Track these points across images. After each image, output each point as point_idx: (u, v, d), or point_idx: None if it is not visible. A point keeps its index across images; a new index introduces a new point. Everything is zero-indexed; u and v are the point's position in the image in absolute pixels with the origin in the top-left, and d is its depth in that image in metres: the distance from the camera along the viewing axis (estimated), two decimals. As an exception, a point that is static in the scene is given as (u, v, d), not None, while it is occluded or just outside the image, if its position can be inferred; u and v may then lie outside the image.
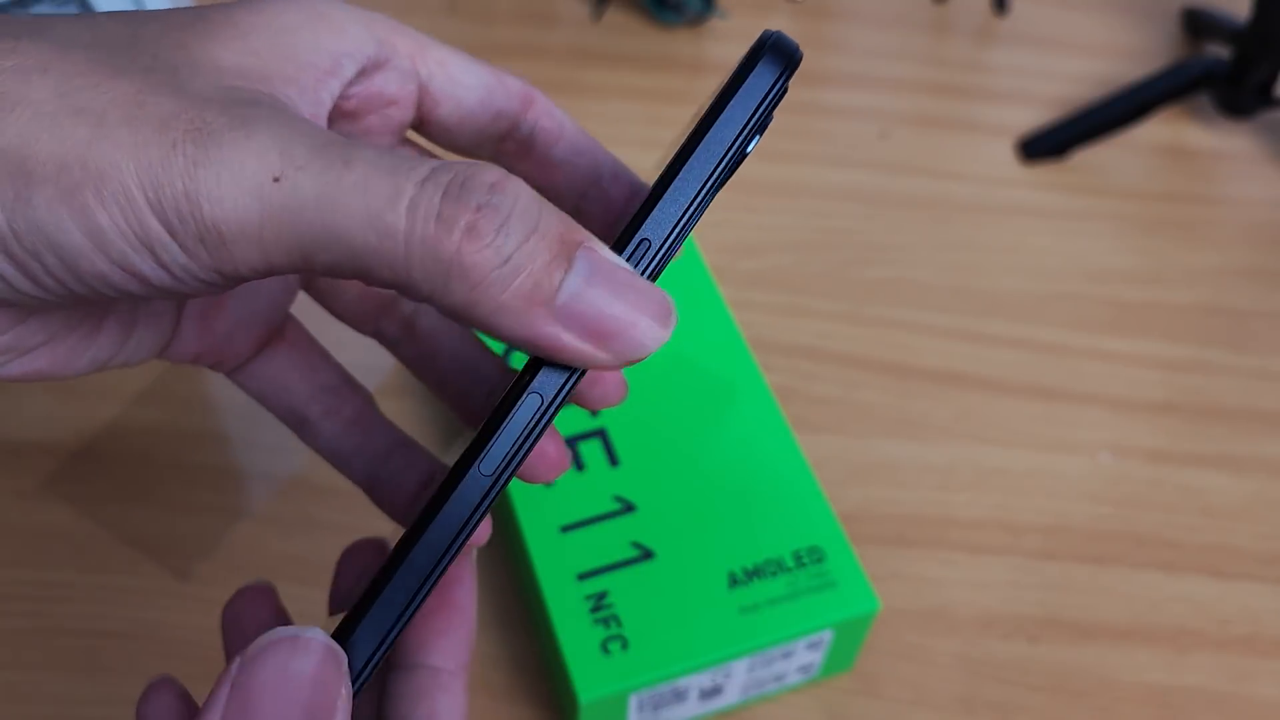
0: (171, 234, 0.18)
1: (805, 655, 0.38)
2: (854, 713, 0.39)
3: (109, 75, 0.19)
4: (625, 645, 0.35)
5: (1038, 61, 0.61)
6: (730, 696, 0.38)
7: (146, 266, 0.19)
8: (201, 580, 0.41)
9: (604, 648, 0.35)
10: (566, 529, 0.38)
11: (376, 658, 0.20)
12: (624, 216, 0.22)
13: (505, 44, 0.60)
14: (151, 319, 0.25)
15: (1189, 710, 0.40)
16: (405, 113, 0.25)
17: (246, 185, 0.18)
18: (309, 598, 0.40)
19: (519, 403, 0.20)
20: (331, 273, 0.19)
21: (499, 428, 0.21)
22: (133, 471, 0.43)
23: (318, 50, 0.22)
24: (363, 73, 0.23)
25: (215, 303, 0.26)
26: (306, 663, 0.19)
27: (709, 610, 0.36)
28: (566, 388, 0.21)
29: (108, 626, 0.39)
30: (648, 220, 0.20)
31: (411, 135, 0.27)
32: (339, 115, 0.24)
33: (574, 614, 0.36)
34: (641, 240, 0.20)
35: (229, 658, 0.25)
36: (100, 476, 0.43)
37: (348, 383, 0.28)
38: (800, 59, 0.21)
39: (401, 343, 0.29)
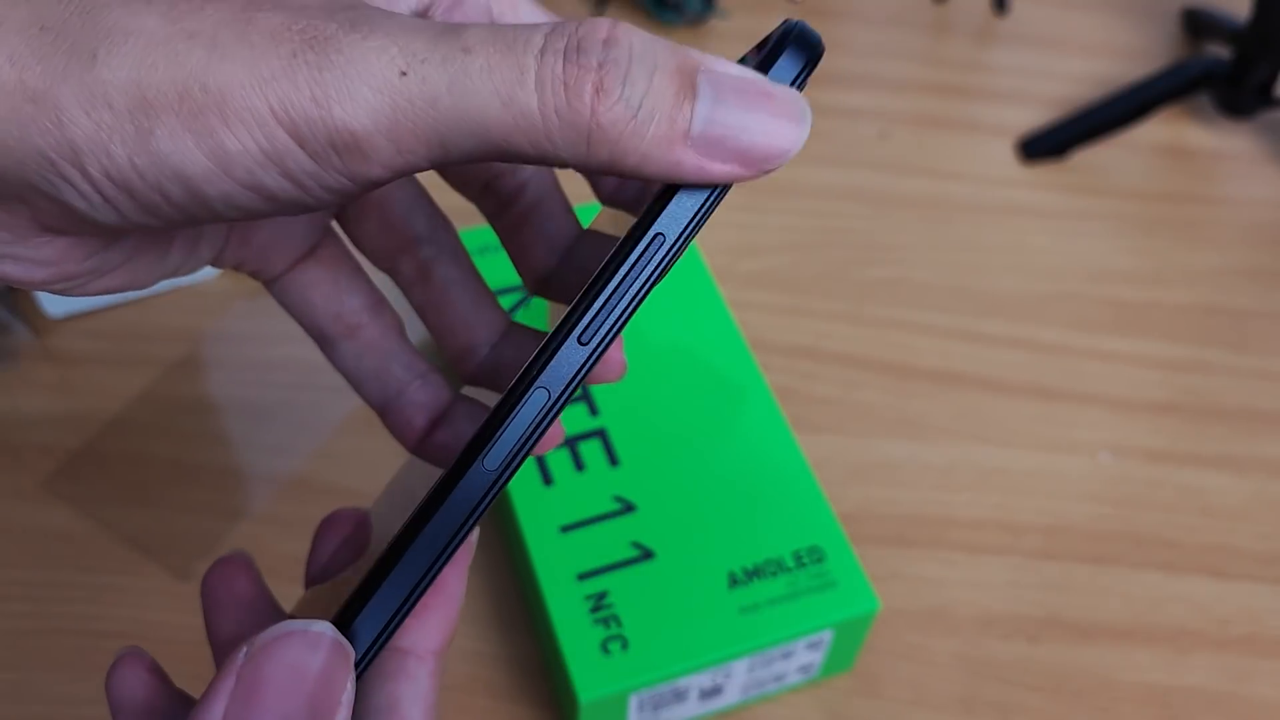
0: (301, 144, 0.18)
1: (805, 655, 0.38)
2: (854, 713, 0.39)
3: None
4: (625, 645, 0.35)
5: (1038, 61, 0.61)
6: (730, 696, 0.38)
7: (275, 182, 0.19)
8: (200, 580, 0.41)
9: (604, 648, 0.35)
10: (566, 529, 0.38)
11: (374, 650, 0.20)
12: None
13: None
14: (213, 231, 0.25)
15: (1189, 710, 0.40)
16: None
17: (375, 83, 0.18)
18: (309, 598, 0.40)
19: (524, 398, 0.20)
20: (472, 158, 0.19)
21: (504, 422, 0.20)
22: (132, 472, 0.43)
23: None
24: (436, 5, 0.24)
25: (252, 226, 0.26)
26: (314, 658, 0.19)
27: (709, 610, 0.36)
28: (578, 379, 0.21)
29: (107, 627, 0.39)
30: (662, 214, 0.20)
31: None
32: None
33: (574, 614, 0.36)
34: (656, 235, 0.20)
35: (210, 632, 0.25)
36: (99, 477, 0.43)
37: (374, 306, 0.28)
38: (823, 52, 0.21)
39: (415, 286, 0.28)
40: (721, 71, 0.20)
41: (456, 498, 0.20)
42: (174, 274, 0.24)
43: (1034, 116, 0.58)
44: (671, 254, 0.20)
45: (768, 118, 0.20)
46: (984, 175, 0.56)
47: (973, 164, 0.56)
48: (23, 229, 0.20)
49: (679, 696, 0.37)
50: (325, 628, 0.19)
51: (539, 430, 0.20)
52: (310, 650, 0.19)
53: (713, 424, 0.40)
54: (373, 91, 0.18)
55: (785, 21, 0.21)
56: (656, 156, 0.19)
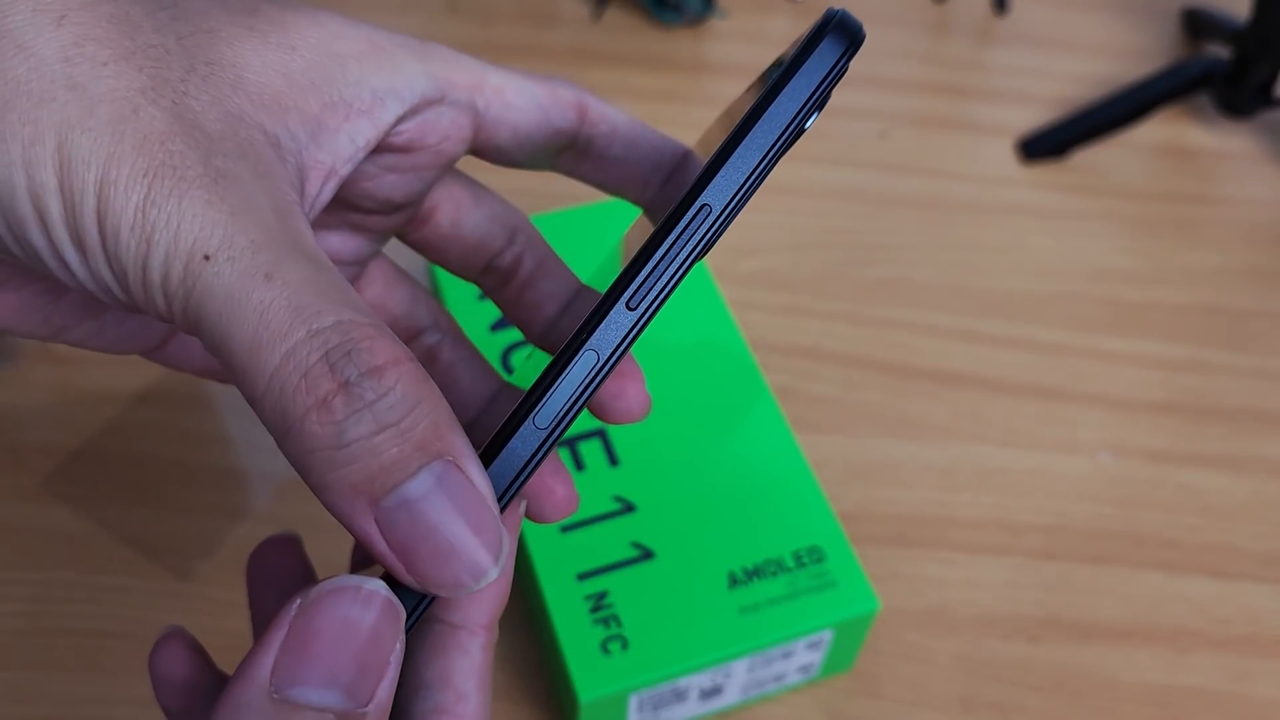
0: (102, 242, 0.18)
1: (805, 655, 0.38)
2: (854, 713, 0.39)
3: (120, 54, 0.19)
4: (625, 645, 0.35)
5: (1037, 61, 0.61)
6: (730, 696, 0.38)
7: (59, 260, 0.19)
8: (201, 580, 0.41)
9: (604, 648, 0.35)
10: (566, 529, 0.38)
11: (419, 610, 0.20)
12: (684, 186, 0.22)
13: (505, 44, 0.60)
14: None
15: (1189, 710, 0.40)
16: (459, 146, 0.25)
17: (181, 249, 0.18)
18: (309, 598, 0.40)
19: (575, 359, 0.21)
20: (208, 355, 0.20)
21: (555, 382, 0.21)
22: (133, 472, 0.43)
23: (360, 86, 0.22)
24: (414, 109, 0.23)
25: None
26: (366, 614, 0.19)
27: (709, 610, 0.36)
28: (626, 343, 0.21)
29: (107, 627, 0.39)
30: (709, 187, 0.21)
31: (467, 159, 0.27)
32: (388, 149, 0.24)
33: (574, 614, 0.36)
34: (702, 206, 0.21)
35: (253, 607, 0.25)
36: (100, 477, 0.43)
37: None
38: (863, 39, 0.21)
39: (498, 294, 0.29)
40: (464, 475, 0.19)
41: (507, 457, 0.21)
42: (143, 347, 0.25)
43: (1034, 116, 0.58)
44: (718, 225, 0.21)
45: (468, 534, 0.19)
46: (984, 175, 0.56)
47: (973, 164, 0.56)
48: None
49: (679, 696, 0.37)
50: (379, 585, 0.19)
51: (588, 390, 0.21)
52: (363, 606, 0.19)
53: (713, 424, 0.41)
54: (174, 254, 0.18)
55: (829, 10, 0.22)
56: (335, 491, 0.18)
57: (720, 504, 0.39)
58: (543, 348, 0.28)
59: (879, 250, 0.52)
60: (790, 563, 0.37)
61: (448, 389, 0.28)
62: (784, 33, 0.61)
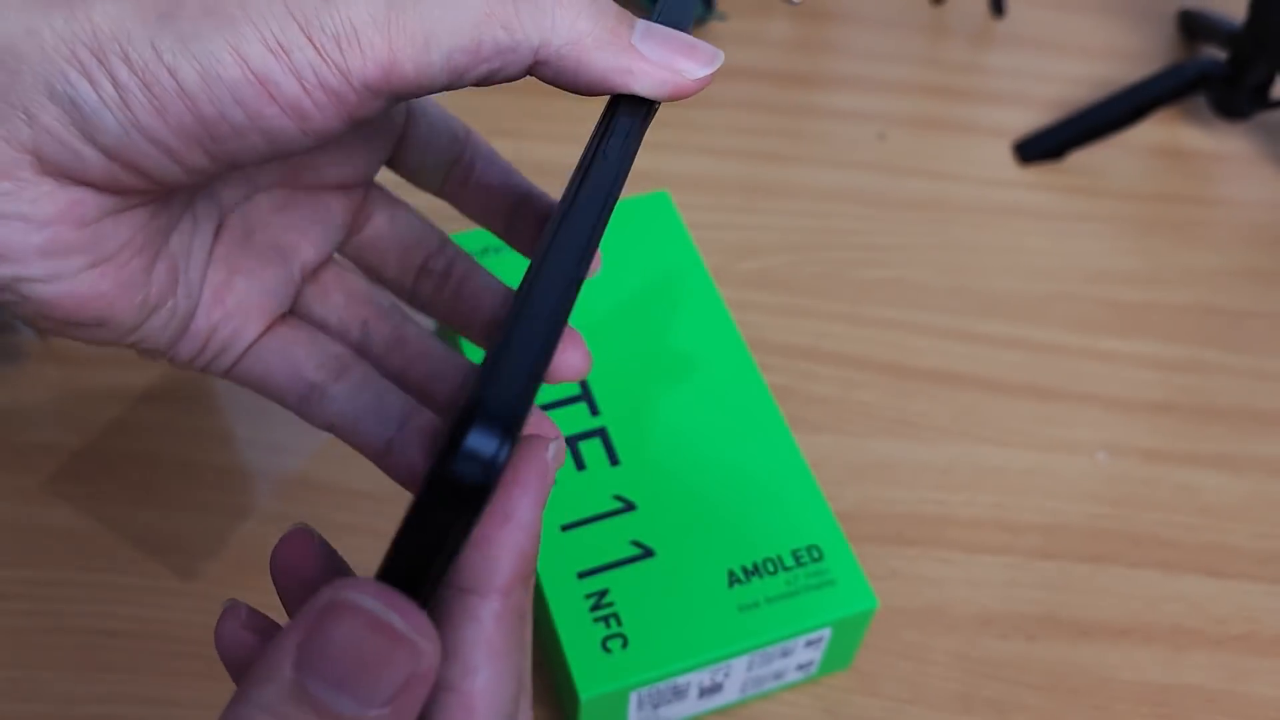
0: (309, 37, 0.21)
1: (804, 653, 0.38)
2: (852, 710, 0.39)
3: None
4: (625, 643, 0.36)
5: (1035, 63, 0.61)
6: (730, 694, 0.38)
7: (283, 77, 0.21)
8: (204, 579, 0.41)
9: (604, 645, 0.36)
10: (567, 528, 0.38)
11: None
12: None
13: (505, 46, 0.60)
14: (190, 275, 0.26)
15: (1186, 709, 0.40)
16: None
17: None
18: (310, 596, 0.40)
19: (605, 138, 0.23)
20: (452, 61, 0.23)
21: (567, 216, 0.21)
22: (136, 470, 0.43)
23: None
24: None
25: (227, 281, 0.27)
26: (379, 636, 0.19)
27: (708, 608, 0.36)
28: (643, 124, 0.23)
29: (110, 625, 0.40)
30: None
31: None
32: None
33: (574, 612, 0.36)
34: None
35: (286, 605, 0.24)
36: (103, 475, 0.43)
37: (359, 346, 0.29)
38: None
39: (391, 351, 0.30)
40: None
41: (533, 314, 0.20)
42: (148, 320, 0.25)
43: (1031, 118, 0.59)
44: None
45: (687, 47, 0.25)
46: (981, 176, 0.56)
47: (970, 165, 0.57)
48: (22, 172, 0.21)
49: (679, 694, 0.37)
50: (402, 609, 0.19)
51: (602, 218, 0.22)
52: (370, 628, 0.19)
53: (712, 423, 0.41)
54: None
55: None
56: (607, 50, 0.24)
57: (720, 503, 0.39)
58: (486, 345, 0.30)
59: (877, 251, 0.53)
60: (789, 561, 0.38)
61: (417, 366, 0.29)
62: (783, 35, 0.61)
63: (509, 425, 0.19)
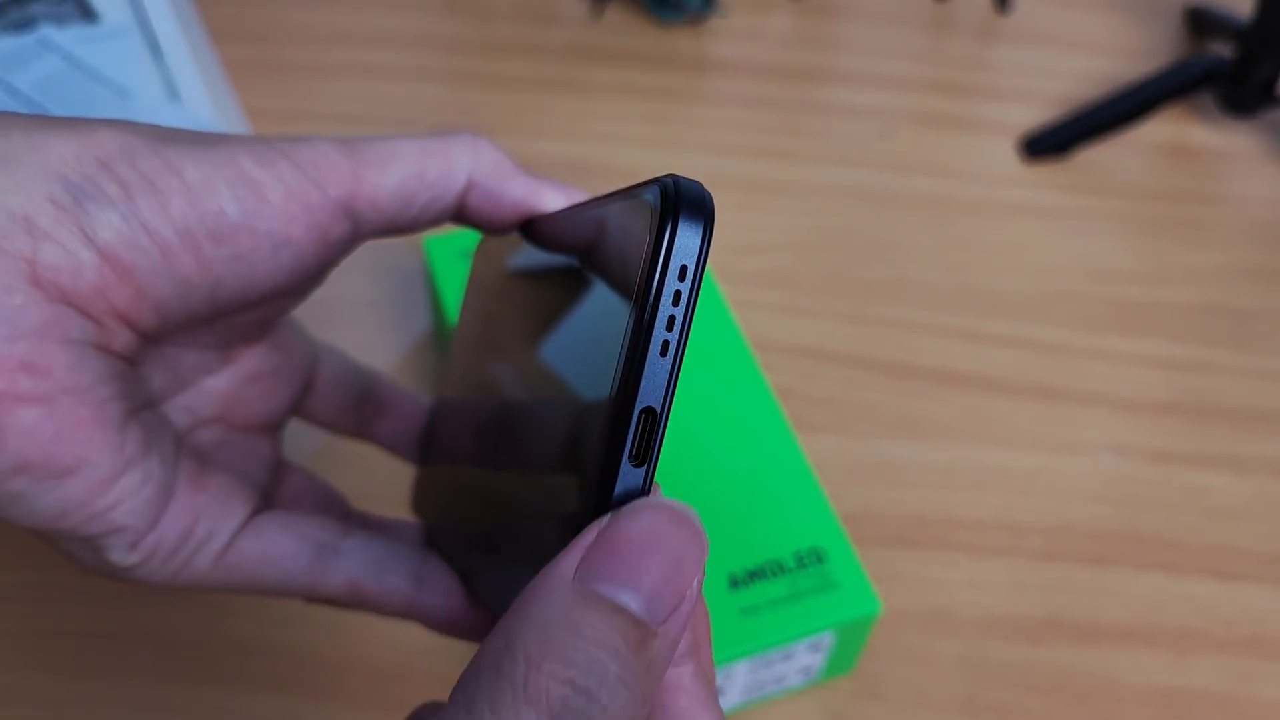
0: (288, 158, 0.25)
1: (806, 657, 0.37)
2: (855, 714, 0.39)
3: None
4: (625, 647, 0.35)
5: (1040, 60, 0.61)
6: (731, 698, 0.38)
7: (272, 183, 0.24)
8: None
9: (604, 649, 0.35)
10: (566, 530, 0.38)
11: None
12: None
13: (504, 42, 0.60)
14: (164, 449, 0.26)
15: (1192, 712, 0.40)
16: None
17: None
18: (307, 599, 0.40)
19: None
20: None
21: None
22: (130, 472, 0.43)
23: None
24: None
25: (201, 470, 0.27)
26: (678, 531, 0.20)
27: (710, 612, 0.36)
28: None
29: (105, 628, 0.39)
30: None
31: None
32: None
33: (574, 615, 0.36)
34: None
35: None
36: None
37: (350, 516, 0.31)
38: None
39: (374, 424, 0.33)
40: None
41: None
42: (124, 475, 0.24)
43: (1036, 115, 0.58)
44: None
45: None
46: (986, 174, 0.56)
47: (974, 163, 0.56)
48: (13, 280, 0.22)
49: (679, 698, 0.36)
50: (690, 511, 0.20)
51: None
52: (675, 524, 0.20)
53: (714, 424, 0.40)
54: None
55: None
56: None
57: (721, 504, 0.38)
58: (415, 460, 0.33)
59: (881, 250, 0.52)
60: (791, 564, 0.37)
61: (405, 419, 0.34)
62: (785, 30, 0.61)
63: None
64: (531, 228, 0.28)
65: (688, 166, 0.54)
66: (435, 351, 0.47)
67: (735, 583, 0.37)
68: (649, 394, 0.20)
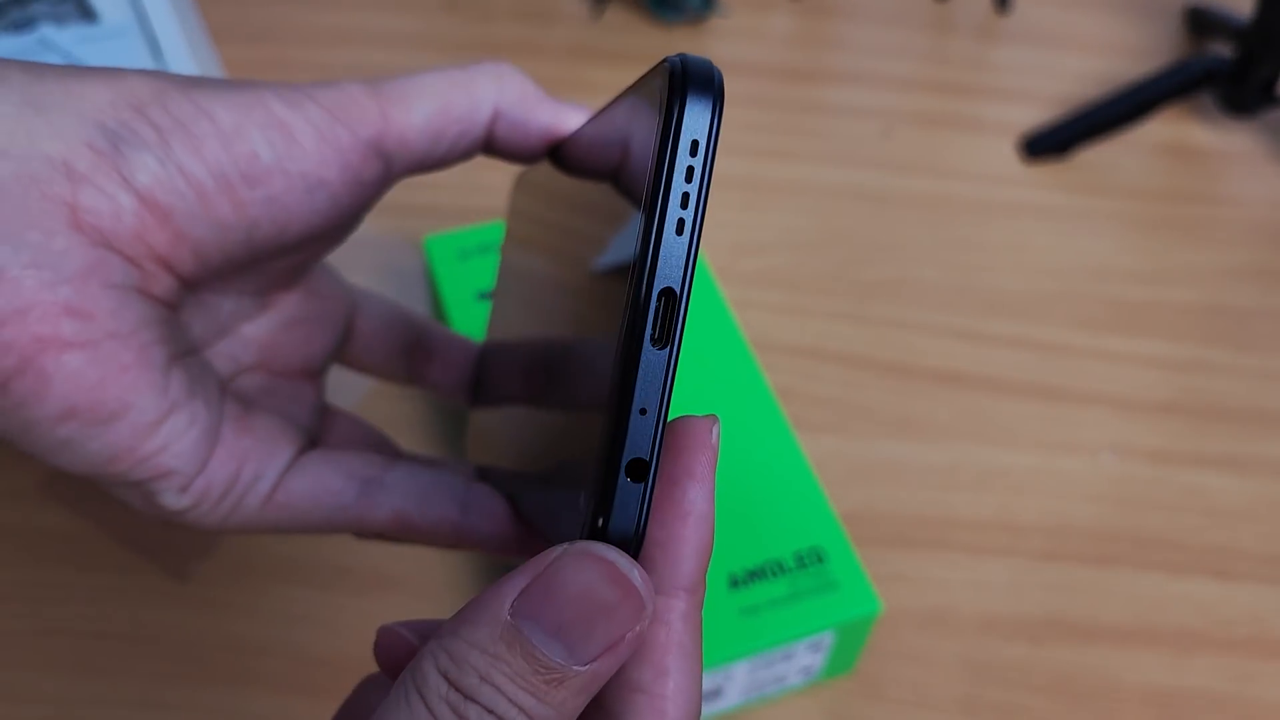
0: (315, 101, 0.25)
1: (806, 657, 0.37)
2: (855, 714, 0.39)
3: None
4: (625, 647, 0.35)
5: (1040, 59, 0.61)
6: (731, 699, 0.38)
7: (301, 125, 0.25)
8: (199, 581, 0.40)
9: (604, 649, 0.35)
10: (566, 530, 0.38)
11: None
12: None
13: (504, 41, 0.60)
14: (208, 390, 0.26)
15: (1192, 712, 0.40)
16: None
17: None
18: (306, 599, 0.40)
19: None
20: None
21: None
22: (130, 471, 0.43)
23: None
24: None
25: (245, 413, 0.27)
26: (611, 590, 0.20)
27: (709, 612, 0.36)
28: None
29: (105, 627, 0.39)
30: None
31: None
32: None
33: (574, 615, 0.36)
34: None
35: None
36: (97, 476, 0.43)
37: (392, 446, 0.32)
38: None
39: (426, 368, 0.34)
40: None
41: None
42: (169, 418, 0.24)
43: (1036, 115, 0.58)
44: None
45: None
46: (986, 174, 0.56)
47: (975, 162, 0.56)
48: (53, 224, 0.22)
49: (679, 698, 0.36)
50: (633, 569, 0.20)
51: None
52: (609, 583, 0.19)
53: (713, 424, 0.40)
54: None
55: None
56: None
57: (721, 504, 0.38)
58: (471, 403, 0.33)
59: (881, 249, 0.52)
60: (791, 564, 0.37)
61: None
62: (785, 30, 0.61)
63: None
64: (560, 153, 0.28)
65: (688, 166, 0.54)
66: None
67: (735, 583, 0.37)
68: (667, 274, 0.19)
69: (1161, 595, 0.42)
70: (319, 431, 0.31)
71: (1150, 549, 0.43)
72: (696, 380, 0.41)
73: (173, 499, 0.25)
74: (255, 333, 0.29)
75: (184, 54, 0.47)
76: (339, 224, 0.27)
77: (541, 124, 0.27)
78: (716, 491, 0.39)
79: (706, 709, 0.38)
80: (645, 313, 0.19)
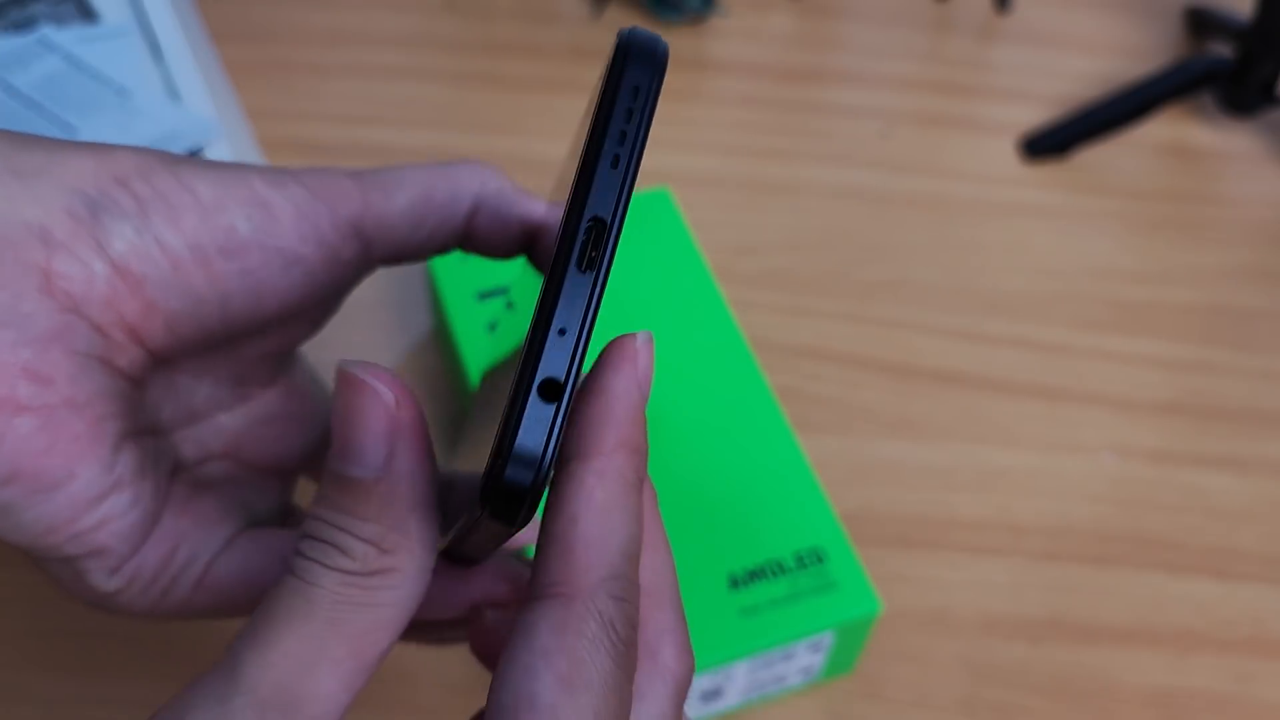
0: (298, 181, 0.26)
1: (806, 657, 0.37)
2: (855, 714, 0.39)
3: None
4: (625, 647, 0.35)
5: (1040, 59, 0.61)
6: (731, 699, 0.38)
7: (282, 204, 0.25)
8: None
9: (604, 650, 0.35)
10: (566, 530, 0.38)
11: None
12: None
13: (504, 41, 0.60)
14: (157, 472, 0.26)
15: (1191, 712, 0.40)
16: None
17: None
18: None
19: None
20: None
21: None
22: (130, 472, 0.43)
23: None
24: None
25: (192, 496, 0.27)
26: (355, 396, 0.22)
27: (710, 612, 0.36)
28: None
29: (104, 628, 0.39)
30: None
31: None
32: None
33: (574, 616, 0.36)
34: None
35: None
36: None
37: None
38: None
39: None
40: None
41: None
42: (112, 495, 0.24)
43: (1036, 115, 0.58)
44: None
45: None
46: (986, 174, 0.56)
47: (974, 163, 0.56)
48: (25, 286, 0.22)
49: (679, 698, 0.36)
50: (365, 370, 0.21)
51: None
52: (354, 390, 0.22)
53: (713, 424, 0.40)
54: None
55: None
56: None
57: (721, 504, 0.38)
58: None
59: (881, 249, 0.52)
60: (791, 564, 0.37)
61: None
62: (785, 30, 0.61)
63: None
64: (536, 249, 0.28)
65: (688, 166, 0.54)
66: (435, 352, 0.47)
67: (735, 583, 0.37)
68: (599, 204, 0.20)
69: (1161, 595, 0.42)
70: (282, 517, 0.30)
71: (1150, 549, 0.43)
72: (697, 381, 0.41)
73: (103, 579, 0.25)
74: (229, 423, 0.29)
75: (184, 54, 0.47)
76: (316, 303, 0.27)
77: (520, 216, 0.28)
78: (717, 491, 0.39)
79: (707, 709, 0.38)
80: (574, 237, 0.20)
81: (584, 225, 0.20)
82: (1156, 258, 0.53)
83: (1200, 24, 0.61)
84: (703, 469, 0.39)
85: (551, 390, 0.19)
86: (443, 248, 0.28)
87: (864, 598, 0.37)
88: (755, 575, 0.37)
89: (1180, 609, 0.42)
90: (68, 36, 0.46)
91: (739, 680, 0.37)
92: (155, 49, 0.47)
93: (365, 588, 0.21)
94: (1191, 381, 0.49)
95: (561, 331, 0.19)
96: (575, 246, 0.20)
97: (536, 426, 0.19)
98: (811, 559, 0.37)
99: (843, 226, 0.53)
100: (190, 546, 0.26)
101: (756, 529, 0.38)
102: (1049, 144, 0.56)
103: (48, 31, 0.46)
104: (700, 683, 0.36)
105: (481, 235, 0.28)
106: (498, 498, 0.19)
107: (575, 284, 0.19)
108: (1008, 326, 0.50)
